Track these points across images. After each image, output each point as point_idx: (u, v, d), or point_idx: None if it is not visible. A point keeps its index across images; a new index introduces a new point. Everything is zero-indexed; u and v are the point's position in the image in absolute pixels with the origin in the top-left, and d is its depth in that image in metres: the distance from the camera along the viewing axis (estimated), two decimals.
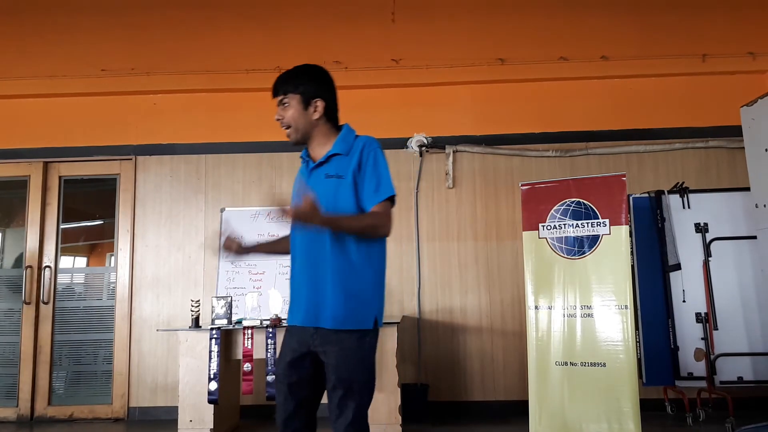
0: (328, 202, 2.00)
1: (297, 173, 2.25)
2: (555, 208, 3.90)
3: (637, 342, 4.14)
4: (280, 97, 2.11)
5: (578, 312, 3.73)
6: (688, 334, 4.25)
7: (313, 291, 2.05)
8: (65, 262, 5.21)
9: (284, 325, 4.00)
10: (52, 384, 4.97)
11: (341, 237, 2.01)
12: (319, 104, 2.10)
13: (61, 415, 4.89)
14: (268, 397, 3.95)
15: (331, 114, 2.14)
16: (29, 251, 5.09)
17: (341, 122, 2.19)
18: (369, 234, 2.04)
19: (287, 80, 2.11)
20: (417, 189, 5.05)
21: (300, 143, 2.15)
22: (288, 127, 2.11)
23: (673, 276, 4.32)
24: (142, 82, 5.09)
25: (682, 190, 4.45)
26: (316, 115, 2.10)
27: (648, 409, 4.19)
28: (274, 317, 4.04)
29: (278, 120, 2.13)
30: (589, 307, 3.70)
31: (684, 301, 4.29)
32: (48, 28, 5.19)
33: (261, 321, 4.04)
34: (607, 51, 5.04)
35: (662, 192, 4.45)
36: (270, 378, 3.93)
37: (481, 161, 5.09)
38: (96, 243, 5.44)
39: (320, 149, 2.13)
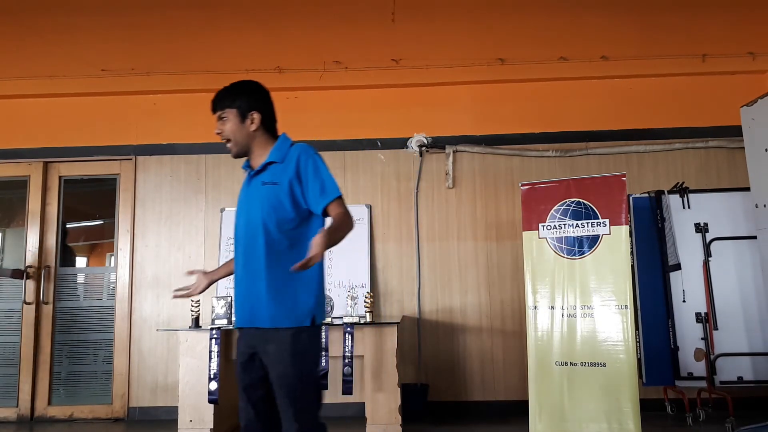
0: (266, 208, 2.13)
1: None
2: (555, 208, 3.90)
3: (637, 342, 4.14)
4: (218, 113, 2.24)
5: (578, 312, 3.73)
6: (688, 334, 4.25)
7: (250, 293, 2.13)
8: (65, 262, 5.21)
9: None
10: (53, 384, 4.97)
11: (273, 240, 2.11)
12: (256, 116, 2.23)
13: (61, 415, 4.90)
14: None
15: (268, 125, 2.28)
16: (29, 251, 5.09)
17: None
18: (345, 234, 2.13)
19: (224, 97, 2.25)
20: (417, 189, 5.06)
21: (240, 155, 2.28)
22: (228, 141, 2.23)
23: (673, 276, 4.32)
24: (142, 82, 5.09)
25: (682, 190, 4.45)
26: (253, 127, 2.23)
27: (648, 409, 4.19)
28: None
29: (218, 134, 2.24)
30: (589, 307, 3.71)
31: (684, 301, 4.29)
32: (48, 28, 5.19)
33: None
34: (607, 51, 5.04)
35: (662, 192, 4.45)
36: None
37: (481, 161, 5.09)
38: (96, 243, 5.45)
39: (259, 159, 2.25)
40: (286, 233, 2.14)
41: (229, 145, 2.24)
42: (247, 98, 2.25)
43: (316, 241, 1.92)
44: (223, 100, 2.24)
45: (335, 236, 2.06)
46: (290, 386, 2.05)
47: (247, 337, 2.15)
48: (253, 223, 2.16)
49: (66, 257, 5.23)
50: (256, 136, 2.25)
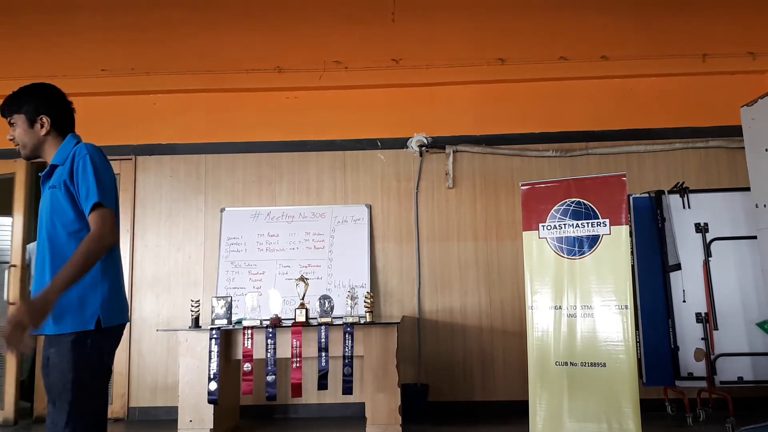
0: (50, 211, 2.12)
1: None
2: (555, 208, 3.90)
3: (637, 342, 4.14)
4: (8, 119, 2.23)
5: (578, 312, 3.73)
6: (688, 334, 4.25)
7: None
8: None
9: (284, 325, 4.02)
10: None
11: (57, 243, 2.08)
12: (45, 120, 2.21)
13: None
14: (268, 397, 3.95)
15: (60, 127, 2.25)
16: (30, 251, 5.08)
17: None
18: (97, 256, 2.01)
19: (11, 102, 2.22)
20: (417, 189, 5.05)
21: (30, 158, 2.26)
22: (18, 145, 2.23)
23: (673, 276, 4.32)
24: (142, 82, 5.09)
25: (682, 190, 4.44)
26: (44, 131, 2.21)
27: (648, 409, 4.19)
28: (274, 317, 4.04)
29: (10, 139, 2.23)
30: (589, 307, 3.70)
31: (684, 301, 4.29)
32: (48, 28, 5.18)
33: (261, 321, 4.04)
34: (607, 51, 5.04)
35: (662, 192, 4.44)
36: (270, 378, 3.93)
37: (481, 161, 5.09)
38: None
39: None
40: (73, 235, 2.08)
41: (18, 148, 2.23)
42: (34, 103, 2.21)
43: (17, 322, 1.78)
44: (10, 106, 2.22)
45: (72, 271, 1.93)
46: (60, 397, 1.97)
47: (43, 343, 2.09)
48: (42, 227, 2.14)
49: None
50: (47, 139, 2.22)
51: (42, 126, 2.21)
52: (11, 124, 2.23)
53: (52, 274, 2.02)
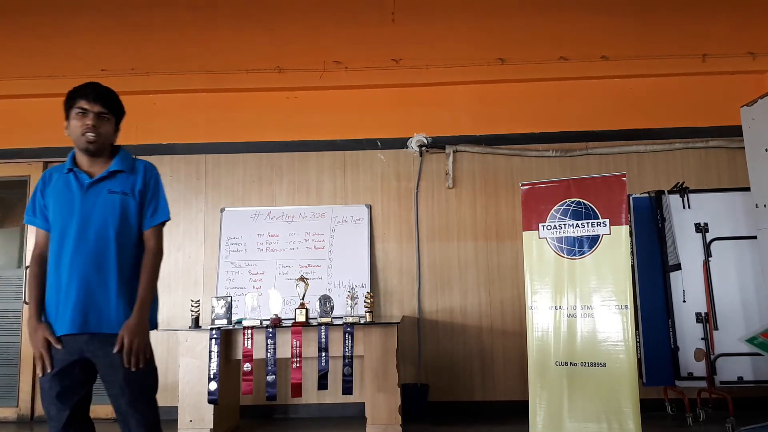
0: (112, 217, 2.20)
1: (47, 182, 2.31)
2: (555, 208, 3.90)
3: (637, 342, 4.15)
4: (104, 110, 2.26)
5: (578, 312, 3.73)
6: (689, 334, 4.25)
7: (92, 298, 2.16)
8: None
9: (284, 325, 4.02)
10: None
11: (122, 247, 2.22)
12: (118, 133, 2.37)
13: None
14: (268, 397, 3.95)
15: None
16: (29, 251, 5.08)
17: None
18: (159, 270, 2.38)
19: (114, 99, 2.31)
20: (417, 189, 5.05)
21: (94, 153, 2.27)
22: (98, 136, 2.24)
23: (673, 276, 4.32)
24: (142, 82, 5.09)
25: (682, 190, 4.44)
26: (115, 139, 2.35)
27: (648, 409, 4.19)
28: (274, 317, 4.04)
29: (93, 126, 2.22)
30: (589, 307, 3.70)
31: (684, 301, 4.29)
32: (48, 28, 5.18)
33: (261, 321, 4.04)
34: (607, 51, 5.04)
35: (662, 192, 4.44)
36: (270, 378, 3.93)
37: (481, 161, 5.09)
38: None
39: (100, 166, 2.28)
40: (133, 245, 2.27)
41: (94, 138, 2.23)
42: (123, 115, 2.39)
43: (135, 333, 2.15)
44: (114, 102, 2.31)
45: (150, 286, 2.29)
46: (145, 395, 2.32)
47: (75, 343, 2.15)
48: (92, 227, 2.19)
49: None
50: (109, 148, 2.33)
51: (115, 137, 2.35)
52: (101, 116, 2.24)
53: (119, 276, 2.18)
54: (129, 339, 2.12)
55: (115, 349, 2.11)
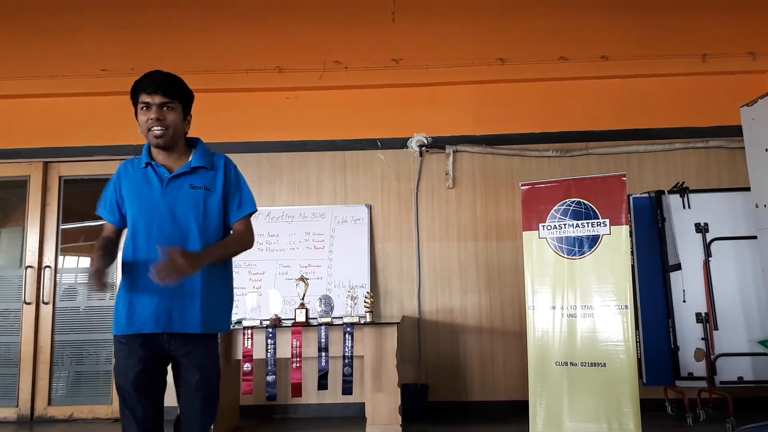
0: (195, 212, 2.14)
1: (123, 176, 2.26)
2: (555, 208, 3.90)
3: (637, 342, 4.14)
4: (167, 100, 2.15)
5: (578, 312, 3.73)
6: (689, 334, 4.25)
7: (171, 296, 2.10)
8: (65, 262, 5.21)
9: (284, 325, 4.02)
10: (52, 384, 4.97)
11: (206, 244, 2.17)
12: (190, 119, 2.27)
13: (61, 415, 4.89)
14: (268, 397, 3.95)
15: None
16: (29, 251, 5.09)
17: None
18: (237, 254, 2.26)
19: (176, 86, 2.19)
20: (417, 189, 5.05)
21: (165, 147, 2.18)
22: (165, 129, 2.14)
23: (674, 276, 4.32)
24: None
25: (682, 190, 4.44)
26: (187, 128, 2.25)
27: (648, 409, 4.19)
28: (274, 317, 4.04)
29: (158, 119, 2.13)
30: (590, 307, 3.70)
31: (684, 301, 4.29)
32: (48, 28, 5.18)
33: (261, 321, 4.04)
34: (607, 51, 5.04)
35: (662, 192, 4.44)
36: (270, 378, 3.93)
37: (481, 161, 5.09)
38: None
39: (177, 160, 2.21)
40: (214, 236, 2.20)
41: (162, 132, 2.14)
42: (191, 100, 2.27)
43: (184, 257, 1.98)
44: (175, 89, 2.18)
45: (224, 252, 2.20)
46: (214, 392, 2.22)
47: (157, 342, 2.12)
48: (184, 226, 2.14)
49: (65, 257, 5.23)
50: (182, 137, 2.25)
51: (188, 124, 2.25)
52: (166, 106, 2.15)
53: (202, 273, 2.09)
54: (178, 257, 1.95)
55: (160, 264, 1.95)
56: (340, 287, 4.78)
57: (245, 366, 3.96)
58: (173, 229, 2.11)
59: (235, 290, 4.82)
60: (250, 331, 3.98)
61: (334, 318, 4.07)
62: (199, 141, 2.31)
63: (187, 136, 2.32)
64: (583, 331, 3.70)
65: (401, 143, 5.09)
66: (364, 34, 5.12)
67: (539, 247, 3.92)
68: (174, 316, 2.09)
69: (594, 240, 3.74)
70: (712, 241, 4.35)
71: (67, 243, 5.25)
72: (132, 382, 2.10)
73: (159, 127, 2.12)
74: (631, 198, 4.43)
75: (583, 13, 5.12)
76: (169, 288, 2.02)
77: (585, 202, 3.81)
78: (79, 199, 5.36)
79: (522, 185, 4.08)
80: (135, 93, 2.19)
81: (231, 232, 2.29)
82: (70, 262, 5.28)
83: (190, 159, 2.23)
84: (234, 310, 4.30)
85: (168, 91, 2.14)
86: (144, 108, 2.15)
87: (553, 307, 3.82)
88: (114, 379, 2.19)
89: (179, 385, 2.18)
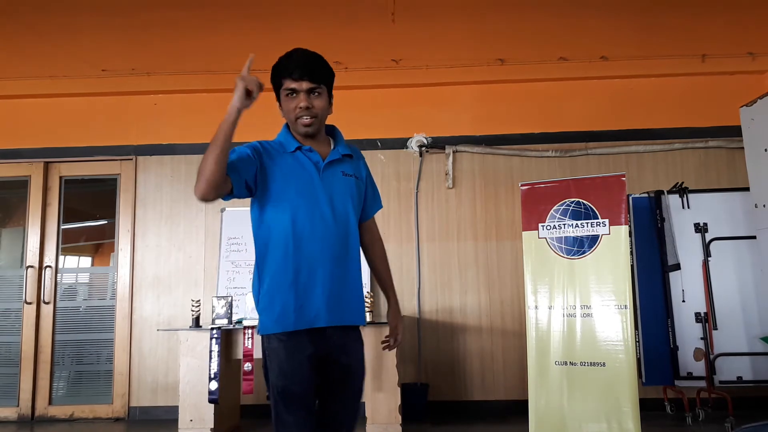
0: (352, 200, 2.03)
1: (264, 153, 2.09)
2: (555, 208, 3.90)
3: (636, 342, 4.15)
4: (314, 85, 1.97)
5: (578, 312, 3.73)
6: (688, 333, 4.26)
7: (345, 288, 2.00)
8: (66, 262, 5.22)
9: None
10: (53, 384, 4.98)
11: (356, 235, 2.08)
12: (332, 101, 2.07)
13: (61, 414, 4.90)
14: (268, 397, 3.95)
15: None
16: (30, 251, 5.09)
17: (328, 123, 2.17)
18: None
19: (323, 69, 2.00)
20: (417, 189, 5.06)
21: (312, 135, 2.02)
22: (314, 117, 1.98)
23: (673, 276, 4.32)
24: (142, 82, 5.09)
25: (681, 190, 4.45)
26: (330, 112, 2.05)
27: (648, 408, 4.20)
28: None
29: (307, 108, 1.96)
30: (589, 307, 3.71)
31: (683, 301, 4.30)
32: (48, 28, 5.19)
33: None
34: (607, 51, 5.05)
35: (662, 192, 4.45)
36: None
37: (481, 161, 5.09)
38: (96, 243, 5.45)
39: (323, 146, 2.06)
40: (357, 225, 2.12)
41: (310, 121, 1.97)
42: (333, 81, 2.06)
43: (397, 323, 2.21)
44: (322, 72, 1.99)
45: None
46: (360, 391, 2.11)
47: (324, 337, 1.94)
48: (343, 214, 1.99)
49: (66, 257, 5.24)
50: (325, 121, 2.06)
51: (331, 107, 2.05)
52: (314, 93, 1.97)
53: (359, 263, 2.05)
54: (401, 330, 2.23)
55: (392, 342, 2.18)
56: None
57: (246, 365, 3.97)
58: (333, 217, 1.96)
59: (235, 290, 4.86)
60: (250, 331, 3.98)
61: None
62: (335, 128, 2.15)
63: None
64: (583, 331, 3.70)
65: (401, 143, 5.10)
66: (364, 34, 5.13)
67: (539, 247, 3.92)
68: (344, 307, 1.98)
69: (593, 240, 3.75)
70: (711, 241, 4.36)
71: (68, 243, 5.26)
72: (304, 381, 1.91)
73: (308, 116, 1.96)
74: (630, 198, 4.43)
75: (583, 13, 5.12)
76: (336, 280, 1.94)
77: (584, 202, 3.82)
78: (79, 199, 5.36)
79: (522, 185, 4.09)
80: (277, 77, 2.02)
81: (362, 225, 2.19)
82: (70, 262, 5.30)
83: (332, 146, 2.07)
84: (234, 310, 4.34)
85: (315, 76, 1.97)
86: (289, 95, 1.99)
87: (553, 307, 3.82)
88: (265, 382, 2.03)
89: (330, 382, 1.99)
